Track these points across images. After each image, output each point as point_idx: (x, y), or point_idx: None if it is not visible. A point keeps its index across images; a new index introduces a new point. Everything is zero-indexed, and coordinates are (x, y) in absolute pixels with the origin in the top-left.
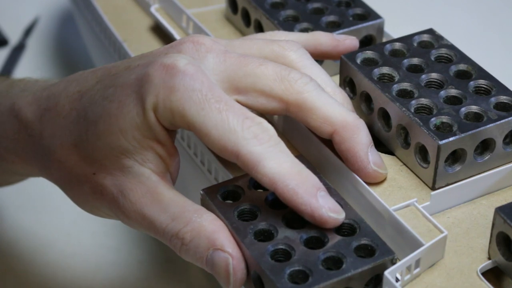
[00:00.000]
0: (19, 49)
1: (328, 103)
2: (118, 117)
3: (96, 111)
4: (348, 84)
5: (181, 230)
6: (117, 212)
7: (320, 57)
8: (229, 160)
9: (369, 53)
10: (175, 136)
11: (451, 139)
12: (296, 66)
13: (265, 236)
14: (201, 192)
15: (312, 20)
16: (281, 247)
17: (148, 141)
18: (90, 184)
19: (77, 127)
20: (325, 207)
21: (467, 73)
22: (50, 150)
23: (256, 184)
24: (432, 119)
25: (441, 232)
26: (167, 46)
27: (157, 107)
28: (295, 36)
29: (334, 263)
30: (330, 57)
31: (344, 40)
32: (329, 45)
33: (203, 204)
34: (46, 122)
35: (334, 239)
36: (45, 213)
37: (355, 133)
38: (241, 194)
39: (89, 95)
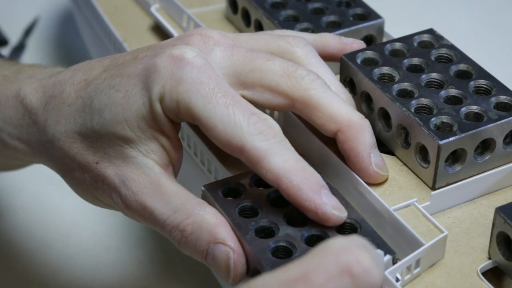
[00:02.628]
0: (19, 49)
1: (334, 101)
2: (124, 106)
3: (101, 100)
4: (348, 84)
5: (182, 222)
6: (118, 202)
7: (326, 59)
8: (233, 155)
9: (369, 53)
10: (179, 129)
11: (451, 139)
12: (302, 63)
13: (266, 233)
14: (202, 188)
15: (312, 20)
16: (282, 244)
17: (153, 132)
18: (92, 173)
19: (82, 115)
20: (328, 204)
21: (467, 73)
22: (54, 138)
23: (257, 181)
24: (433, 119)
25: (441, 232)
26: (175, 38)
27: (163, 97)
28: (303, 35)
29: None
30: (336, 59)
31: (352, 44)
32: (336, 47)
33: (204, 200)
34: (51, 110)
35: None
36: (45, 213)
37: (359, 133)
38: (242, 192)
39: (95, 83)
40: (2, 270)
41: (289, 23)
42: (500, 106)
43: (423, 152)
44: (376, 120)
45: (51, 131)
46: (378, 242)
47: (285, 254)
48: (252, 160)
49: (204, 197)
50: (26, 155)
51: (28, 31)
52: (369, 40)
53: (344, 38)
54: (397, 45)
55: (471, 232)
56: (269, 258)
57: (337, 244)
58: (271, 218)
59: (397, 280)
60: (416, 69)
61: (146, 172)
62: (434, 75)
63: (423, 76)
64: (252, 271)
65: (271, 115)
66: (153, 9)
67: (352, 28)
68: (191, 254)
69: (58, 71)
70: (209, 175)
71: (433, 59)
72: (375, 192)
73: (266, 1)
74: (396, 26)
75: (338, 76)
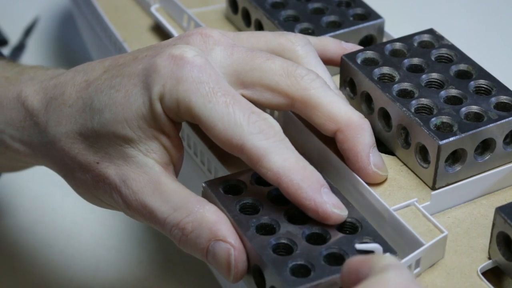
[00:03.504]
0: (19, 49)
1: (334, 101)
2: (124, 106)
3: (102, 100)
4: (348, 84)
5: (182, 220)
6: (118, 201)
7: (325, 63)
8: (233, 154)
9: (369, 53)
10: (180, 128)
11: (451, 139)
12: (301, 62)
13: (266, 230)
14: (203, 184)
15: (312, 20)
16: (283, 241)
17: (153, 131)
18: (93, 173)
19: (83, 116)
20: (329, 203)
21: (468, 73)
22: (55, 139)
23: (258, 179)
24: (433, 119)
25: (441, 232)
26: (175, 38)
27: (163, 97)
28: None
29: (335, 259)
30: (335, 63)
31: (351, 49)
32: (336, 52)
33: (205, 197)
34: (52, 111)
35: (336, 237)
36: (45, 213)
37: (358, 133)
38: (243, 189)
39: (95, 84)
40: (2, 270)
41: (289, 23)
42: (500, 106)
43: (423, 152)
44: (376, 120)
45: (52, 132)
46: (379, 241)
47: (285, 251)
48: (252, 159)
49: (204, 194)
50: (28, 157)
51: (28, 31)
52: (369, 40)
53: (344, 43)
54: (397, 45)
55: (471, 232)
56: (270, 255)
57: (396, 282)
58: (272, 215)
59: None
60: (416, 69)
61: (146, 171)
62: (434, 75)
63: (423, 76)
64: (253, 268)
65: (271, 114)
66: (153, 9)
67: (352, 28)
68: (192, 252)
69: (59, 73)
70: (209, 175)
71: (433, 59)
72: (375, 192)
73: (266, 1)
74: (396, 26)
75: (339, 76)
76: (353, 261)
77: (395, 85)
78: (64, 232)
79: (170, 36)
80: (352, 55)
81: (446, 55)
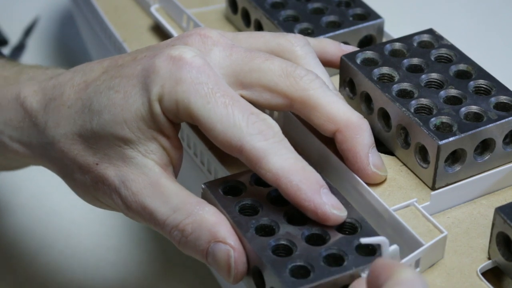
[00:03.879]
0: (19, 49)
1: (333, 101)
2: (123, 107)
3: (101, 101)
4: (348, 84)
5: (182, 222)
6: (118, 203)
7: (324, 64)
8: (232, 155)
9: (369, 53)
10: (179, 129)
11: (451, 139)
12: (300, 63)
13: (266, 231)
14: (203, 186)
15: (312, 20)
16: (283, 242)
17: (152, 132)
18: (92, 174)
19: (82, 117)
20: (328, 204)
21: (467, 73)
22: (54, 140)
23: (257, 180)
24: (432, 119)
25: (441, 232)
26: (174, 38)
27: (162, 98)
28: None
29: (335, 260)
30: (333, 65)
31: (350, 51)
32: (334, 54)
33: (204, 198)
34: (51, 112)
35: (336, 237)
36: (45, 213)
37: (357, 133)
38: (243, 190)
39: (94, 85)
40: (2, 270)
41: (289, 23)
42: (499, 106)
43: (422, 152)
44: (376, 120)
45: (51, 133)
46: None
47: (285, 253)
48: (251, 160)
49: (204, 195)
50: (27, 158)
51: (28, 31)
52: (369, 40)
53: (343, 45)
54: (397, 45)
55: (471, 232)
56: (270, 256)
57: None
58: (272, 216)
59: None
60: (415, 69)
61: (145, 172)
62: (434, 75)
63: (423, 76)
64: (253, 269)
65: (271, 115)
66: (153, 9)
67: (352, 28)
68: (192, 254)
69: (58, 73)
70: (209, 175)
71: (432, 59)
72: (375, 192)
73: (266, 1)
74: (396, 26)
75: (337, 77)
76: (377, 263)
77: (395, 85)
78: (64, 232)
79: (169, 36)
80: (351, 55)
81: (445, 55)
